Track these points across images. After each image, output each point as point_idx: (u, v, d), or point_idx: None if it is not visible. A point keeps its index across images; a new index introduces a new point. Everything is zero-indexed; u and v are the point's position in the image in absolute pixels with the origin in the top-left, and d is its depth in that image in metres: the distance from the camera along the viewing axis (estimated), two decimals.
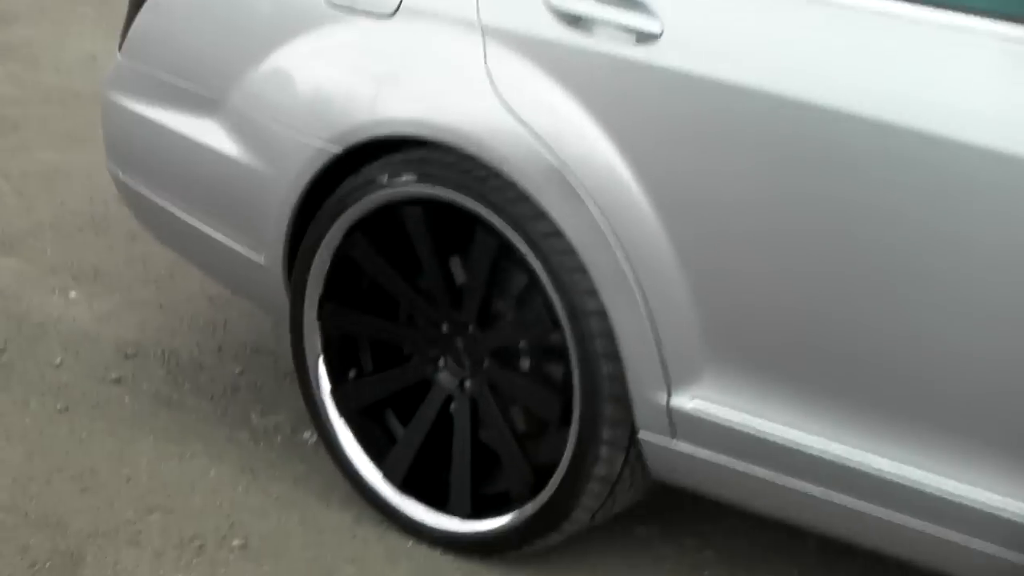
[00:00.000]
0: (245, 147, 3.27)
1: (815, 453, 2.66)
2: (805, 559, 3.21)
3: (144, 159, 3.61)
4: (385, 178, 3.02)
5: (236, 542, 3.14)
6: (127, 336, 4.11)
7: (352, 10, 3.07)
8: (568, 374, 2.91)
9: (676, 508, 3.27)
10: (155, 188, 3.58)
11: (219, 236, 3.42)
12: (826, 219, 2.56)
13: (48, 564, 3.05)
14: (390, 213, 3.08)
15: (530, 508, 3.03)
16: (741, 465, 2.77)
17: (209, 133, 3.35)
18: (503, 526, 3.08)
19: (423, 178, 2.97)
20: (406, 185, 2.99)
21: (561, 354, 2.92)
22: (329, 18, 3.11)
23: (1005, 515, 2.48)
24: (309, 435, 3.60)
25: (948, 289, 2.47)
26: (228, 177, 3.33)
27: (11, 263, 4.51)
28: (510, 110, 2.83)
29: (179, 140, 3.44)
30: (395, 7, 3.00)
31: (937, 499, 2.55)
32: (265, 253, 3.29)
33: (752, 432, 2.73)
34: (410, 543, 3.18)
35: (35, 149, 5.41)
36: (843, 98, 2.49)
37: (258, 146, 3.24)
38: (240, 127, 3.28)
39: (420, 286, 3.15)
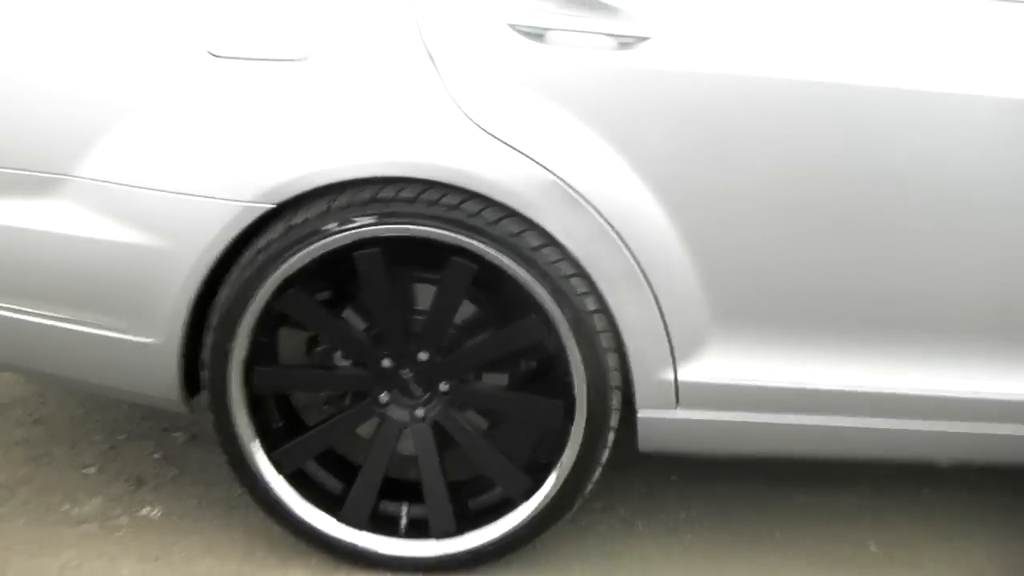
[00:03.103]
0: (119, 222, 2.95)
1: (816, 388, 3.00)
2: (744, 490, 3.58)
3: None
4: (335, 225, 2.89)
5: None
6: None
7: (247, 57, 2.88)
8: (560, 375, 3.01)
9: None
10: None
11: (79, 326, 3.06)
12: (828, 184, 2.85)
13: None
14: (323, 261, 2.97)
15: (531, 510, 3.11)
16: (744, 416, 3.04)
17: (58, 215, 2.99)
18: (505, 533, 3.13)
19: (384, 218, 2.88)
20: (363, 227, 2.89)
21: (548, 359, 3.03)
22: (213, 67, 2.88)
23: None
24: (149, 510, 3.41)
25: (932, 233, 2.89)
26: (95, 260, 2.99)
27: None
28: (490, 134, 2.83)
29: (12, 232, 3.03)
30: (309, 49, 2.85)
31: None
32: (156, 332, 3.02)
33: (759, 384, 3.01)
34: None
35: None
36: (832, 71, 2.80)
37: (142, 218, 2.93)
38: (104, 202, 2.95)
39: (356, 327, 3.09)
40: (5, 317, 3.14)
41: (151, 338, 3.05)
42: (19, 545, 3.25)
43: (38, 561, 3.18)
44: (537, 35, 2.81)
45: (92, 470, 3.64)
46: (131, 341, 3.06)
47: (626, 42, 2.81)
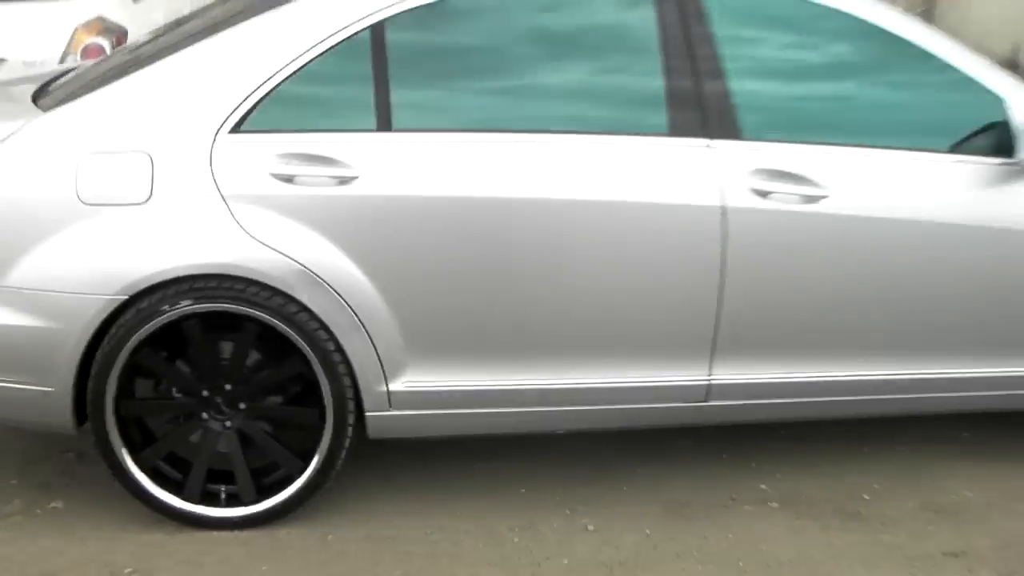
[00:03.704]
0: (29, 314, 4.62)
1: (482, 389, 4.89)
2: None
3: None
4: (167, 306, 4.64)
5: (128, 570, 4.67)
6: None
7: (107, 202, 4.61)
8: (316, 393, 4.81)
9: None
10: None
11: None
12: (479, 262, 4.76)
13: None
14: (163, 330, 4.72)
15: (303, 481, 4.89)
16: (436, 411, 4.90)
17: None
18: (289, 496, 4.91)
19: (199, 299, 4.65)
20: (185, 307, 4.65)
21: (309, 382, 4.80)
22: (86, 211, 4.60)
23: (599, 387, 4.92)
24: (55, 504, 5.13)
25: (569, 280, 4.82)
26: (14, 337, 4.66)
27: None
28: (262, 243, 4.62)
29: None
30: (148, 194, 4.61)
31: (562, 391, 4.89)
32: (55, 383, 4.71)
33: (444, 390, 4.88)
34: (223, 536, 4.87)
35: None
36: (478, 189, 4.69)
37: (44, 310, 4.62)
38: (20, 301, 4.62)
39: (192, 369, 4.84)
40: None
41: (52, 387, 4.73)
42: None
43: None
44: (288, 179, 4.63)
45: (15, 482, 5.34)
46: (38, 390, 4.74)
47: (343, 180, 4.66)
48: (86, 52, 8.51)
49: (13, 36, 8.80)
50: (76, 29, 8.77)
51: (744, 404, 5.07)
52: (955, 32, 15.85)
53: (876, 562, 4.74)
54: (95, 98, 4.82)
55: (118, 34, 8.88)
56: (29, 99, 5.18)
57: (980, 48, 14.76)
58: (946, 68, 5.09)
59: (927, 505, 5.15)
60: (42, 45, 8.67)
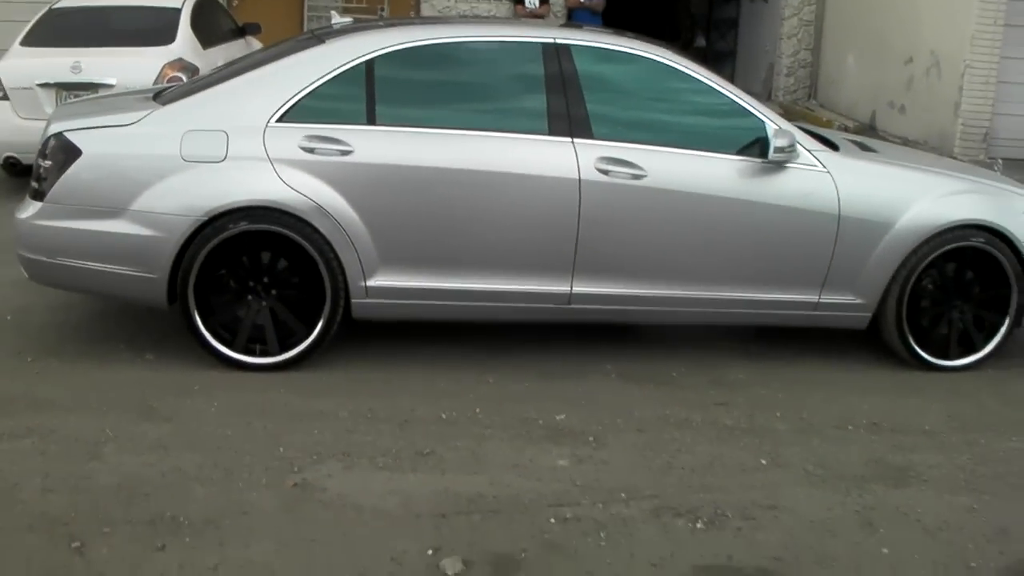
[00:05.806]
0: (146, 227, 7.41)
1: (426, 287, 7.70)
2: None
3: (67, 245, 7.54)
4: (232, 225, 7.44)
5: (196, 387, 7.42)
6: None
7: (198, 160, 7.44)
8: (321, 286, 7.59)
9: None
10: (73, 258, 7.56)
11: (123, 270, 7.52)
12: (431, 205, 7.61)
13: None
14: (227, 241, 7.51)
15: (310, 341, 7.68)
16: (396, 302, 7.72)
17: (118, 225, 7.44)
18: (300, 351, 7.71)
19: (252, 221, 7.46)
20: (243, 226, 7.46)
21: (316, 279, 7.60)
22: (185, 165, 7.43)
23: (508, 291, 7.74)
24: (150, 357, 7.89)
25: (483, 220, 7.67)
26: (136, 242, 7.43)
27: None
28: (293, 189, 7.45)
29: (97, 233, 7.47)
30: (224, 156, 7.43)
31: (492, 292, 7.70)
32: (158, 272, 7.50)
33: (404, 287, 7.70)
34: (257, 374, 7.62)
35: None
36: (429, 161, 7.54)
37: (155, 225, 7.41)
38: (141, 219, 7.42)
39: (243, 268, 7.62)
40: (90, 268, 7.58)
41: (156, 275, 7.52)
42: (108, 376, 7.70)
43: (101, 374, 7.62)
44: (310, 151, 7.49)
45: (123, 346, 8.10)
46: (148, 277, 7.53)
47: (344, 153, 7.51)
48: (171, 82, 11.77)
49: (119, 71, 12.22)
50: (164, 66, 12.39)
51: (595, 308, 7.89)
52: (832, 103, 18.94)
53: (671, 406, 7.46)
54: (194, 99, 7.78)
55: (192, 71, 12.25)
56: (141, 99, 8.17)
57: (849, 115, 18.17)
58: (733, 104, 8.01)
59: (712, 380, 7.95)
60: (140, 76, 12.04)
